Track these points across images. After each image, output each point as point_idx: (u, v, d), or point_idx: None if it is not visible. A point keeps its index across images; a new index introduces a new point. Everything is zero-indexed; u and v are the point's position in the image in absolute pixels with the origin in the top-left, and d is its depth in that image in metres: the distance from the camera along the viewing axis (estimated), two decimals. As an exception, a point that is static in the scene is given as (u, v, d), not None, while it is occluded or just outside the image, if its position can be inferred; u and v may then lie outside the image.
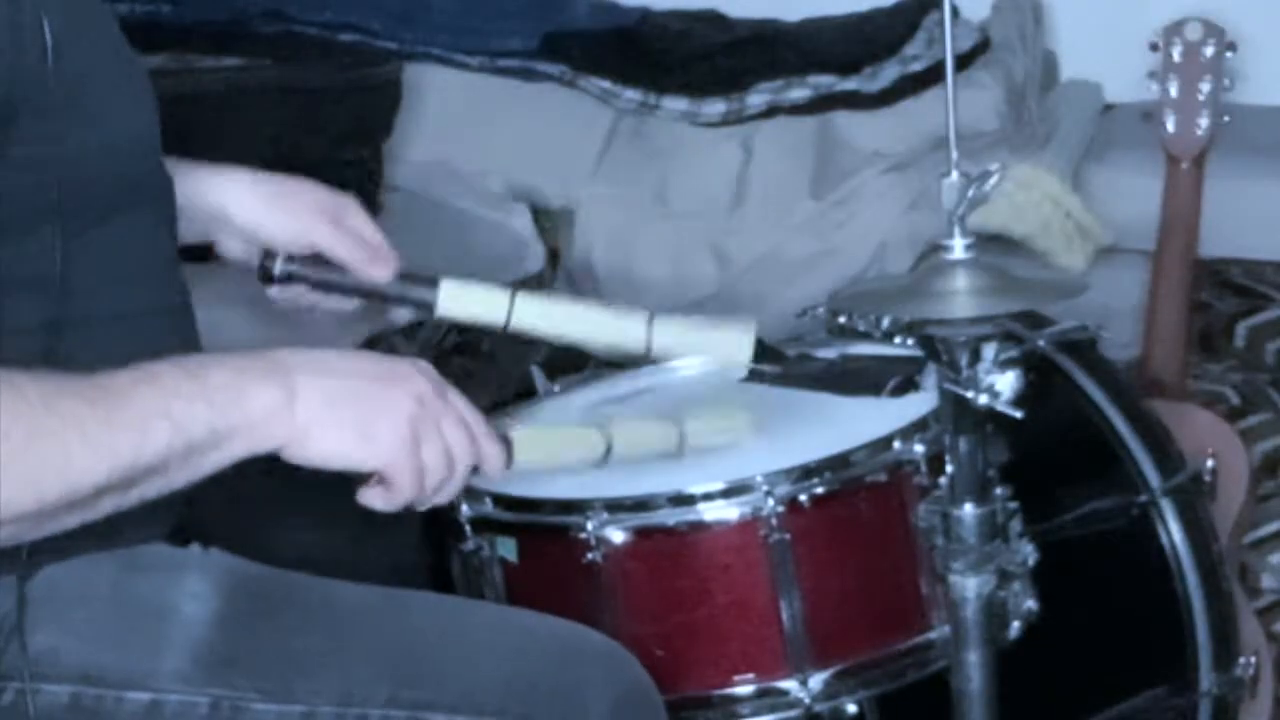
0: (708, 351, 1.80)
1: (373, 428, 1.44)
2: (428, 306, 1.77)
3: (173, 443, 1.36)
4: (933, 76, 3.14)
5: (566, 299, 1.83)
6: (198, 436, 1.37)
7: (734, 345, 1.81)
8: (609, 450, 1.64)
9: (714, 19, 3.46)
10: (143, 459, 1.35)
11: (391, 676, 1.49)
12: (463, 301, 1.77)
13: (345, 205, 1.78)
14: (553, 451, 1.64)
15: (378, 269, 1.75)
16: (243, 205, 1.75)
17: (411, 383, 1.47)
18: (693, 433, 1.69)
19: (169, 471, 1.38)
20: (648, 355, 1.81)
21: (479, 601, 1.71)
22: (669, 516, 1.66)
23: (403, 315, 1.82)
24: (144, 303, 1.56)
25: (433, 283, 1.76)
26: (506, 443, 1.54)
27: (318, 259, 1.76)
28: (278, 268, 1.75)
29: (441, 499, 1.50)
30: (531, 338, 1.81)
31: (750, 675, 1.67)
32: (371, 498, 1.47)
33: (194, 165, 1.71)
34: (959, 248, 1.61)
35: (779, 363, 1.89)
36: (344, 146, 3.12)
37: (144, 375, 1.38)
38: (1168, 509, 1.95)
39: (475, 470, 1.51)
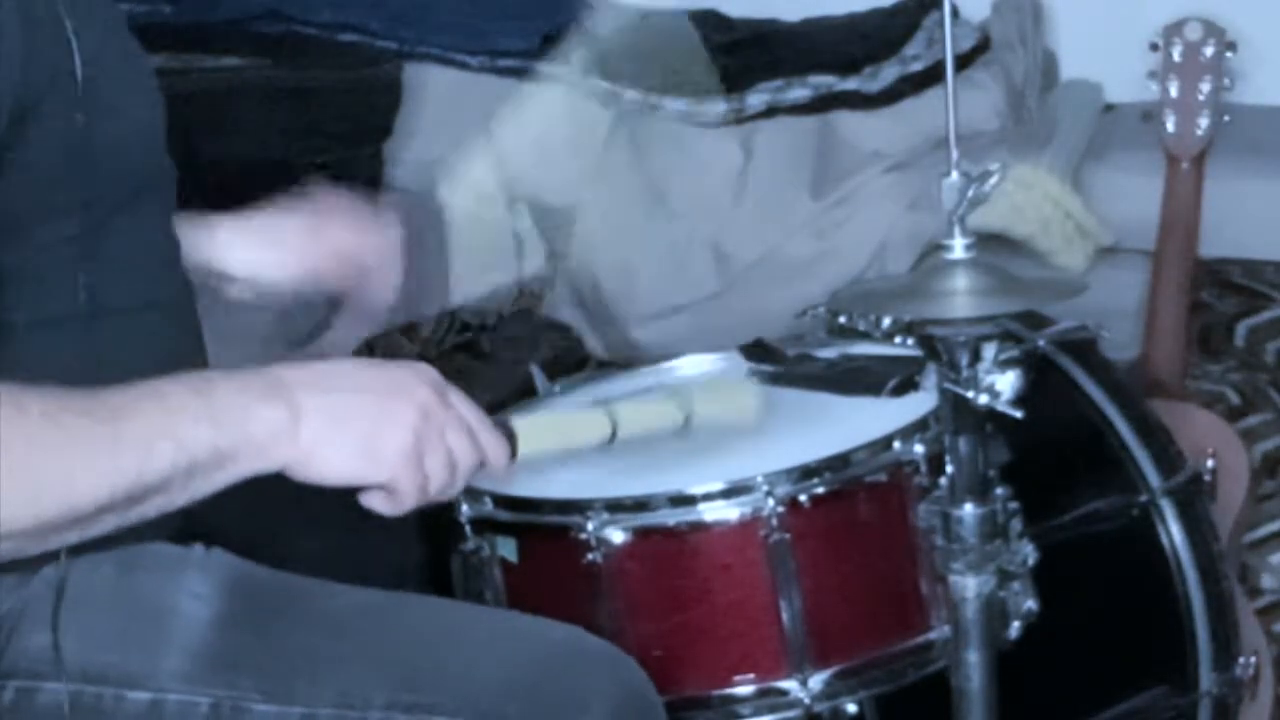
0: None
1: (377, 444, 1.43)
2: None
3: (176, 462, 1.36)
4: (932, 76, 3.14)
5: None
6: (201, 457, 1.37)
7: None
8: (614, 432, 1.63)
9: (714, 19, 3.47)
10: (146, 478, 1.35)
11: (391, 679, 1.49)
12: None
13: (327, 219, 1.77)
14: (559, 438, 1.62)
15: (379, 295, 1.77)
16: (235, 254, 1.74)
17: (415, 393, 1.45)
18: (699, 411, 1.67)
19: (170, 491, 1.37)
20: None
21: (479, 605, 1.71)
22: (669, 516, 1.66)
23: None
24: (157, 295, 1.56)
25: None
26: (510, 436, 1.53)
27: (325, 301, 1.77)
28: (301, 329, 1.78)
29: (444, 499, 1.50)
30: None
31: (750, 675, 1.67)
32: (374, 502, 1.47)
33: (180, 223, 1.69)
34: (959, 248, 1.61)
35: (779, 363, 1.89)
36: (344, 146, 3.13)
37: (149, 392, 1.37)
38: (1168, 509, 1.95)
39: (481, 465, 1.51)
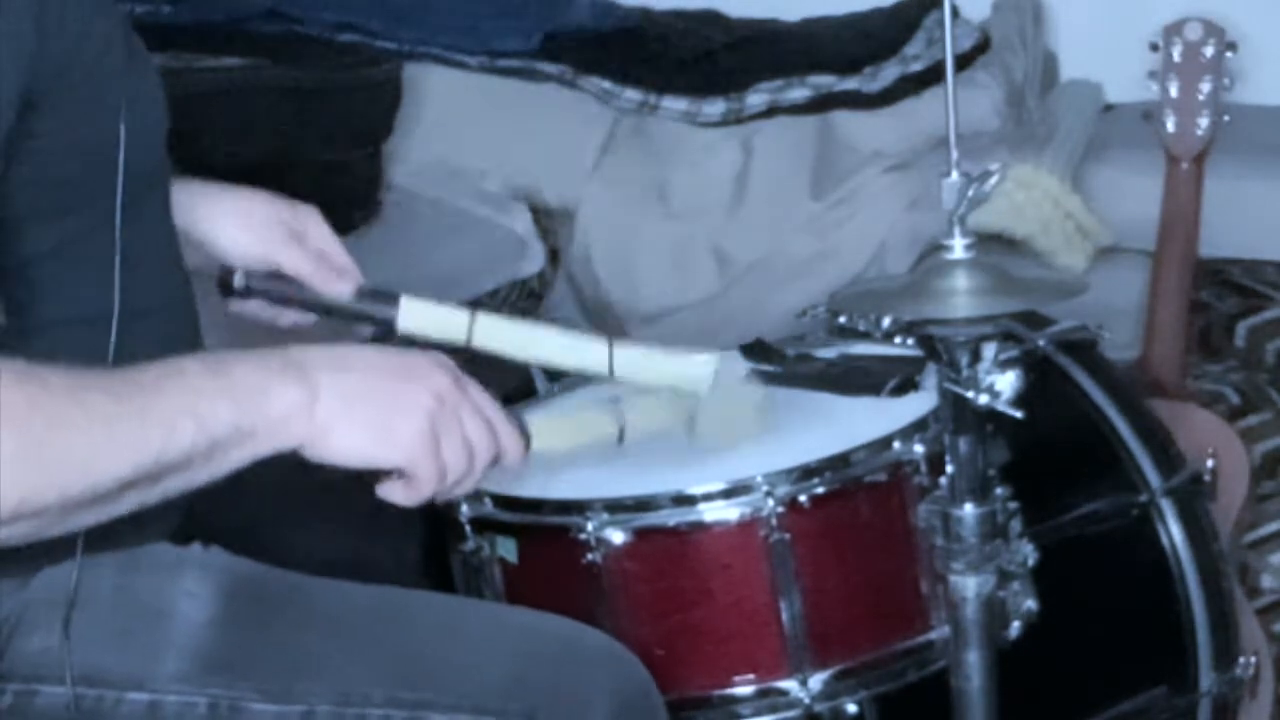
0: (667, 380, 1.73)
1: (393, 425, 1.43)
2: (388, 324, 1.73)
3: (197, 440, 1.35)
4: (933, 76, 3.14)
5: (527, 322, 1.80)
6: (221, 434, 1.37)
7: (694, 376, 1.72)
8: (621, 433, 1.63)
9: (714, 19, 3.47)
10: (167, 456, 1.34)
11: (391, 676, 1.49)
12: (422, 320, 1.73)
13: (306, 219, 1.76)
14: (569, 438, 1.63)
15: (338, 285, 1.73)
16: (204, 221, 1.73)
17: (431, 378, 1.46)
18: (703, 413, 1.68)
19: (191, 469, 1.37)
20: (611, 378, 1.76)
21: (479, 601, 1.71)
22: (669, 517, 1.66)
23: (364, 331, 1.79)
24: (160, 296, 1.56)
25: (393, 300, 1.73)
26: (524, 433, 1.54)
27: (278, 274, 1.74)
28: (236, 281, 1.73)
29: (461, 491, 1.50)
30: (495, 356, 1.77)
31: (750, 675, 1.67)
32: (392, 492, 1.47)
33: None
34: (959, 248, 1.61)
35: (779, 363, 1.89)
36: (344, 146, 3.12)
37: (170, 371, 1.37)
38: (1168, 509, 1.95)
39: (495, 460, 1.51)
